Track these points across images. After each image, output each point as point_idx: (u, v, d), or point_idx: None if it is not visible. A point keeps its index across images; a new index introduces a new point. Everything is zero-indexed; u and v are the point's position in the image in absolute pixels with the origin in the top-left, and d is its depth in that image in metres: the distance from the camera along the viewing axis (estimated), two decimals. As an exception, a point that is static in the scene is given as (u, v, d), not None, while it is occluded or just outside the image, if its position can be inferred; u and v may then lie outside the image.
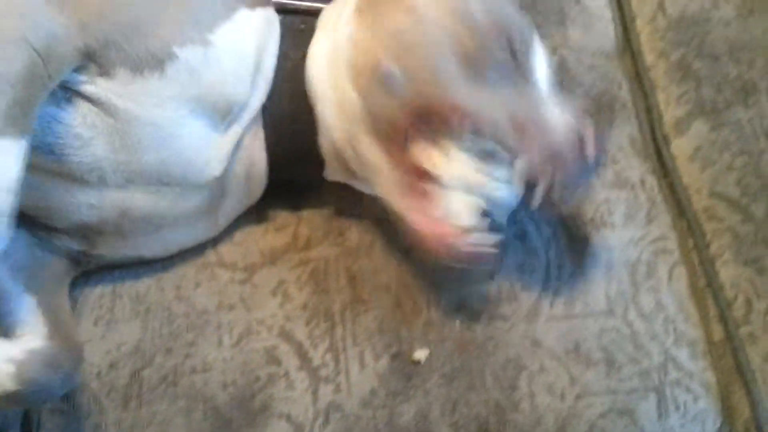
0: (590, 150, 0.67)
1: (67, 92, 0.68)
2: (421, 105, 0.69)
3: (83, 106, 0.68)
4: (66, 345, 0.71)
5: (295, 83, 0.77)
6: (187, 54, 0.70)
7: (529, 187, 0.67)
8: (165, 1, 0.71)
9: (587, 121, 0.69)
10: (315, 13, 0.81)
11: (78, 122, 0.69)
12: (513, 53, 0.70)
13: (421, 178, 0.70)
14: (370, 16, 0.74)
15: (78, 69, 0.67)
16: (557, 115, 0.69)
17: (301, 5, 0.81)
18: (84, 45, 0.66)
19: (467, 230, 0.68)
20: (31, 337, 0.70)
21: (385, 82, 0.70)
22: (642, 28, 0.95)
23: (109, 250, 0.78)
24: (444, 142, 0.69)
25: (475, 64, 0.69)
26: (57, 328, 0.72)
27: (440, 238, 0.68)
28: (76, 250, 0.77)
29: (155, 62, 0.68)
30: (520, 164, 0.66)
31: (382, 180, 0.73)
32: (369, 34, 0.72)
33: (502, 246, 0.71)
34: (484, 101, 0.68)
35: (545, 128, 0.67)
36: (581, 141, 0.68)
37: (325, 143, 0.77)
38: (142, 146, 0.71)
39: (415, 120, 0.69)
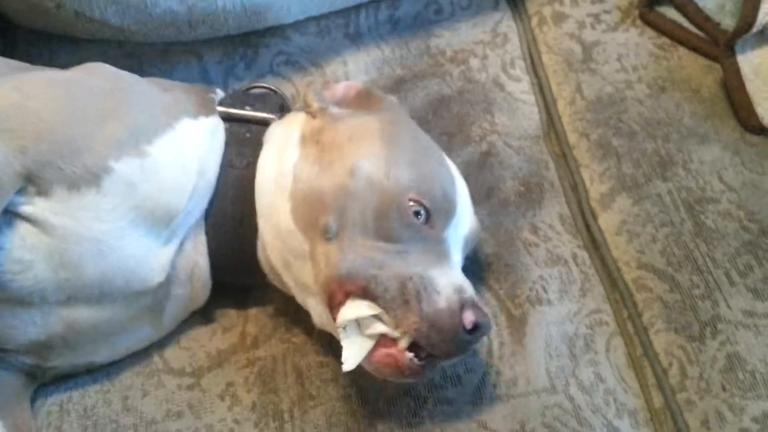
0: (469, 318, 0.72)
1: (5, 215, 0.70)
2: (343, 279, 0.73)
3: (21, 228, 0.71)
4: None
5: (238, 191, 0.81)
6: (124, 167, 0.73)
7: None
8: (103, 116, 0.74)
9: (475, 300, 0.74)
10: (260, 122, 0.85)
11: (17, 245, 0.71)
12: (427, 216, 0.76)
13: None
14: (313, 152, 0.79)
15: (16, 191, 0.70)
16: (447, 284, 0.73)
17: (246, 114, 0.86)
18: (23, 168, 0.69)
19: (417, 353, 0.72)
20: None
21: (324, 231, 0.74)
22: (563, 110, 1.01)
23: (61, 360, 0.80)
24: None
25: (386, 223, 0.74)
26: None
27: (391, 365, 0.72)
28: (28, 364, 0.79)
29: (91, 177, 0.71)
30: (405, 326, 0.71)
31: (318, 310, 0.77)
32: (313, 177, 0.77)
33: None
34: (387, 260, 0.73)
35: (429, 295, 0.71)
36: (463, 307, 0.72)
37: (262, 256, 0.81)
38: (82, 262, 0.73)
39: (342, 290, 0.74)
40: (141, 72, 0.88)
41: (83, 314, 0.76)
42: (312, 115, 0.84)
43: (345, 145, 0.78)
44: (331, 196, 0.75)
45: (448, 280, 0.73)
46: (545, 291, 0.88)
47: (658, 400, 0.82)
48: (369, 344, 0.73)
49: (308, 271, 0.77)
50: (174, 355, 0.85)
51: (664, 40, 1.03)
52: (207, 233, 0.81)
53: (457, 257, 0.78)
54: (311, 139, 0.81)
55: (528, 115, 1.02)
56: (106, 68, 0.82)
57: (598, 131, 0.97)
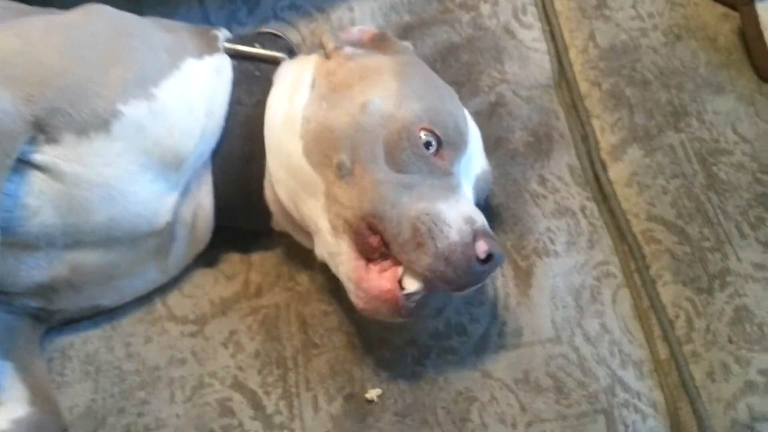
0: (482, 248, 0.71)
1: (14, 164, 0.69)
2: (365, 218, 0.73)
3: (30, 175, 0.71)
4: (49, 409, 0.73)
5: (247, 129, 0.80)
6: (132, 110, 0.72)
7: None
8: (107, 60, 0.73)
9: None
10: (270, 60, 0.84)
11: (25, 192, 0.70)
12: (438, 146, 0.75)
13: (375, 248, 0.73)
14: (326, 91, 0.78)
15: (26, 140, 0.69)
16: (457, 216, 0.72)
17: (256, 52, 0.85)
18: (32, 116, 0.68)
19: (412, 294, 0.72)
20: (14, 404, 0.72)
21: (338, 169, 0.74)
22: (575, 58, 1.00)
23: (67, 303, 0.80)
24: None
25: (396, 155, 0.74)
26: (37, 392, 0.74)
27: (389, 302, 0.71)
28: (34, 307, 0.79)
29: (100, 122, 0.71)
30: (419, 268, 0.70)
31: (327, 242, 0.76)
32: (322, 115, 0.77)
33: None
34: (399, 193, 0.73)
35: (441, 230, 0.71)
36: (476, 237, 0.71)
37: (270, 195, 0.81)
38: (91, 207, 0.73)
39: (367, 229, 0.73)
40: (141, 14, 0.86)
41: (89, 257, 0.76)
42: (326, 56, 0.83)
43: (357, 83, 0.78)
44: (342, 132, 0.75)
45: (458, 212, 0.72)
46: (552, 242, 0.88)
47: (663, 352, 0.82)
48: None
49: (318, 207, 0.76)
50: (177, 302, 0.85)
51: (681, -14, 1.00)
52: (213, 173, 0.80)
53: (468, 192, 0.77)
54: (324, 80, 0.80)
55: (539, 64, 1.01)
56: (106, 10, 0.80)
57: (611, 80, 0.96)
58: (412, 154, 0.74)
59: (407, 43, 0.89)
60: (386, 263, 0.73)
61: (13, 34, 0.71)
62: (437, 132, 0.75)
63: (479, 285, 0.74)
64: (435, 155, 0.75)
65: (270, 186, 0.80)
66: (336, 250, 0.74)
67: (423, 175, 0.74)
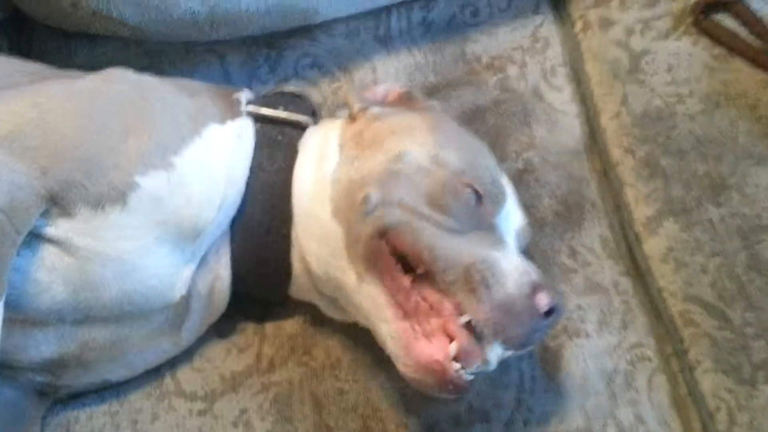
0: (543, 301, 0.68)
1: (25, 237, 0.67)
2: (391, 230, 0.70)
3: (42, 250, 0.68)
4: None
5: (268, 196, 0.78)
6: (150, 181, 0.70)
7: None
8: (126, 129, 0.71)
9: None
10: (293, 124, 0.82)
11: (36, 267, 0.68)
12: (479, 202, 0.73)
13: (428, 311, 0.69)
14: (355, 152, 0.77)
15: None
16: (513, 268, 0.69)
17: (278, 116, 0.83)
18: (46, 191, 0.66)
19: (465, 362, 0.68)
20: None
21: (364, 205, 0.72)
22: (607, 123, 0.96)
23: (75, 380, 0.78)
24: None
25: (442, 203, 0.72)
26: None
27: (438, 374, 0.67)
28: (40, 382, 0.77)
29: (117, 195, 0.69)
30: (476, 317, 0.67)
31: (362, 302, 0.73)
32: (353, 172, 0.75)
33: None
34: (444, 242, 0.70)
35: (498, 281, 0.68)
36: (535, 290, 0.68)
37: (298, 267, 0.79)
38: (103, 282, 0.70)
39: (388, 247, 0.71)
40: (161, 72, 0.85)
41: (100, 333, 0.74)
42: (352, 118, 0.81)
43: (389, 138, 0.76)
44: (375, 176, 0.73)
45: (514, 264, 0.69)
46: (583, 321, 0.83)
47: (702, 446, 0.77)
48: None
49: (347, 267, 0.73)
50: (186, 376, 0.82)
51: (720, 50, 0.96)
52: (232, 242, 0.78)
53: (512, 246, 0.74)
54: (352, 141, 0.78)
55: (569, 129, 0.97)
56: (127, 75, 0.78)
57: (645, 148, 0.92)
58: (458, 204, 0.71)
59: (434, 102, 0.87)
60: (432, 322, 0.68)
61: (29, 103, 0.69)
62: (477, 187, 0.73)
63: (533, 345, 0.70)
64: (476, 208, 0.73)
65: (299, 257, 0.78)
66: (371, 305, 0.71)
67: (468, 225, 0.71)
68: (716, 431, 0.76)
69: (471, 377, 0.68)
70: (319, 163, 0.78)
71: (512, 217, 0.77)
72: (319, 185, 0.77)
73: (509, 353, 0.70)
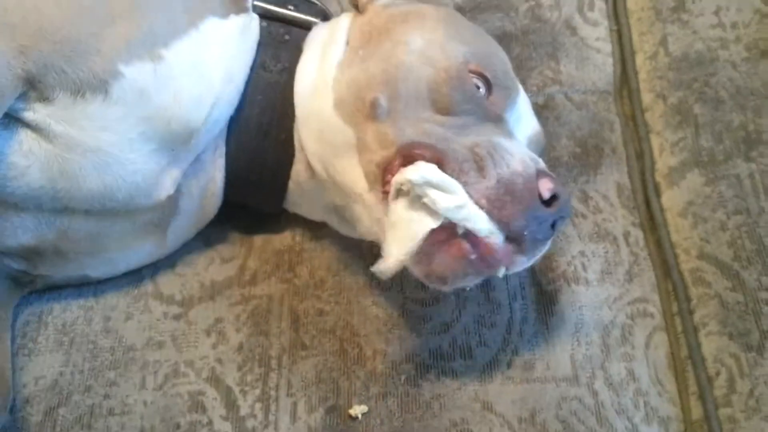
0: (547, 185, 0.65)
1: (3, 119, 0.65)
2: (405, 148, 0.68)
3: (20, 133, 0.67)
4: None
5: (268, 97, 0.76)
6: (134, 72, 0.67)
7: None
8: (115, 14, 0.68)
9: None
10: (301, 25, 0.79)
11: (13, 150, 0.67)
12: (488, 91, 0.70)
13: None
14: (362, 42, 0.74)
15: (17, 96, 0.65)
16: (518, 149, 0.67)
17: (287, 14, 0.80)
18: (24, 71, 0.64)
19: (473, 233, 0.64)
20: None
21: (372, 109, 0.69)
22: (642, 64, 0.91)
23: (52, 270, 0.77)
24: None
25: (445, 96, 0.69)
26: None
27: (455, 253, 0.64)
28: (16, 269, 0.76)
29: (98, 83, 0.66)
30: (476, 193, 0.64)
31: (368, 208, 0.70)
32: (359, 67, 0.72)
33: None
34: (449, 133, 0.67)
35: (502, 157, 0.65)
36: (539, 176, 0.65)
37: (299, 169, 0.76)
38: (83, 173, 0.69)
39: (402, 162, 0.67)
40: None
41: (79, 224, 0.73)
42: (360, 10, 0.78)
43: (397, 27, 0.73)
44: (379, 71, 0.70)
45: (520, 149, 0.67)
46: (585, 269, 0.80)
47: (696, 412, 0.73)
48: (423, 229, 0.62)
49: (356, 165, 0.70)
50: (166, 279, 0.81)
51: (775, -5, 0.90)
52: (227, 143, 0.76)
53: (521, 141, 0.71)
54: (359, 32, 0.75)
55: (599, 67, 0.92)
56: None
57: (679, 94, 0.86)
58: (462, 94, 0.69)
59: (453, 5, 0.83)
60: None
61: None
62: (487, 74, 0.70)
63: (542, 247, 0.67)
64: (486, 98, 0.70)
65: (300, 165, 0.76)
66: (379, 215, 0.68)
67: (475, 117, 0.69)
68: (713, 397, 0.73)
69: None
70: (323, 57, 0.75)
71: (524, 121, 0.73)
72: (321, 79, 0.74)
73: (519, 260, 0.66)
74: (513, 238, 0.65)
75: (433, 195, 0.62)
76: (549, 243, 0.68)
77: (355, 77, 0.71)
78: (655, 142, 0.86)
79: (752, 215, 0.78)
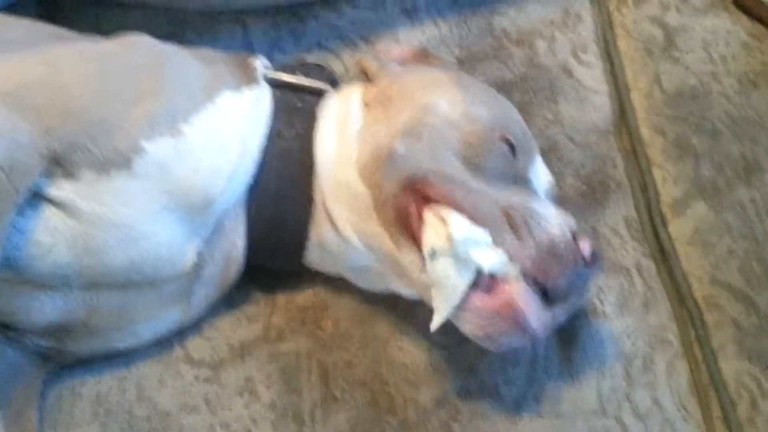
0: (587, 249, 0.68)
1: (28, 197, 0.68)
2: (417, 181, 0.70)
3: (44, 211, 0.69)
4: None
5: (285, 162, 0.78)
6: (156, 147, 0.70)
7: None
8: (137, 94, 0.72)
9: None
10: (313, 91, 0.83)
11: (39, 228, 0.69)
12: (513, 155, 0.74)
13: None
14: (380, 110, 0.77)
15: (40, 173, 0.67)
16: (553, 213, 0.70)
17: (299, 82, 0.84)
18: (48, 150, 0.66)
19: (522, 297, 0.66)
20: None
21: (389, 159, 0.72)
22: (638, 102, 0.95)
23: (80, 346, 0.79)
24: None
25: (475, 158, 0.72)
26: None
27: (509, 314, 0.66)
28: (45, 347, 0.78)
29: (122, 159, 0.69)
30: (517, 255, 0.67)
31: (408, 272, 0.72)
32: (380, 129, 0.75)
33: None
34: (480, 192, 0.70)
35: (539, 223, 0.68)
36: (576, 239, 0.69)
37: (315, 233, 0.79)
38: (107, 248, 0.71)
39: (415, 197, 0.71)
40: (184, 40, 0.87)
41: (107, 299, 0.75)
42: (371, 79, 0.82)
43: (415, 92, 0.77)
44: (399, 131, 0.73)
45: (552, 210, 0.70)
46: (602, 302, 0.83)
47: (722, 435, 0.76)
48: (464, 283, 0.64)
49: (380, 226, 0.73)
50: (195, 344, 0.83)
51: (759, 28, 0.95)
52: (247, 210, 0.79)
53: (546, 199, 0.75)
54: (375, 100, 0.78)
55: (598, 107, 0.97)
56: (144, 41, 0.79)
57: (676, 128, 0.91)
58: (493, 158, 0.72)
59: (452, 59, 0.87)
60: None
61: (40, 61, 0.70)
62: (511, 139, 0.73)
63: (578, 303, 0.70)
64: (511, 162, 0.73)
65: (320, 226, 0.78)
66: (414, 269, 0.70)
67: (503, 178, 0.72)
68: (737, 419, 0.76)
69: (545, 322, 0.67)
70: (342, 125, 0.79)
71: (541, 175, 0.77)
72: (343, 148, 0.77)
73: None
74: (553, 298, 0.68)
75: (476, 255, 0.64)
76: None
77: (377, 140, 0.74)
78: (657, 174, 0.90)
79: (759, 240, 0.82)
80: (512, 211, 0.68)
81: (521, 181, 0.73)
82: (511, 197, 0.70)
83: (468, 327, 0.68)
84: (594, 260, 0.69)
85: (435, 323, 0.66)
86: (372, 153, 0.74)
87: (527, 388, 0.78)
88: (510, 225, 0.68)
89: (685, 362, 0.80)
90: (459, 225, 0.66)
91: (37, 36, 0.81)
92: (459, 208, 0.68)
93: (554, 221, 0.68)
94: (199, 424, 0.78)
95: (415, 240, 0.70)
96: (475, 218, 0.68)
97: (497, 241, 0.67)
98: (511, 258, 0.66)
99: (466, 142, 0.72)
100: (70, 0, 1.03)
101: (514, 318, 0.66)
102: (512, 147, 0.73)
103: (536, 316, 0.66)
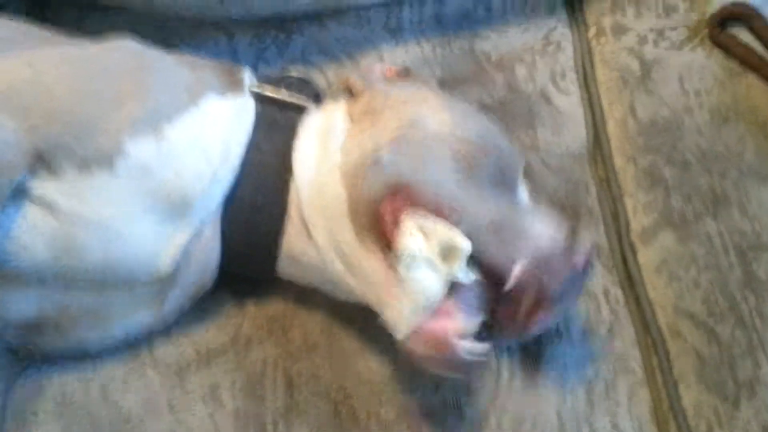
0: (578, 258, 0.70)
1: (9, 193, 0.69)
2: (401, 188, 0.71)
3: (25, 207, 0.70)
4: None
5: (262, 176, 0.79)
6: (138, 148, 0.72)
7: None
8: (121, 96, 0.73)
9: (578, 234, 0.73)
10: (296, 107, 0.84)
11: (18, 224, 0.70)
12: (501, 174, 0.75)
13: None
14: (366, 122, 0.78)
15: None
16: (543, 224, 0.72)
17: (282, 97, 0.85)
18: (33, 149, 0.68)
19: (466, 334, 0.67)
20: None
21: (375, 165, 0.73)
22: (613, 131, 0.97)
23: (50, 344, 0.79)
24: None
25: (463, 171, 0.73)
26: None
27: (442, 339, 0.66)
28: (15, 343, 0.79)
29: (104, 158, 0.70)
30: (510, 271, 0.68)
31: (373, 281, 0.72)
32: (364, 137, 0.76)
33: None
34: (469, 200, 0.71)
35: (529, 234, 0.70)
36: (568, 249, 0.71)
37: (288, 245, 0.79)
38: (86, 248, 0.72)
39: (396, 203, 0.71)
40: (169, 46, 0.87)
41: (81, 299, 0.76)
42: (355, 96, 0.83)
43: (401, 106, 0.78)
44: (386, 141, 0.74)
45: (542, 222, 0.71)
46: (567, 328, 0.84)
47: (680, 463, 0.78)
48: (437, 291, 0.64)
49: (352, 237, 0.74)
50: (163, 348, 0.84)
51: (733, 65, 0.97)
52: (222, 220, 0.79)
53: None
54: (361, 113, 0.79)
55: (573, 132, 0.99)
56: (128, 44, 0.81)
57: (649, 158, 0.93)
58: (483, 170, 0.73)
59: (433, 80, 0.89)
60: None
61: (25, 63, 0.72)
62: (498, 156, 0.75)
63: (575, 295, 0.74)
64: (500, 179, 0.75)
65: (294, 238, 0.79)
66: (373, 275, 0.71)
67: (494, 194, 0.73)
68: (694, 448, 0.77)
69: (479, 357, 0.67)
70: (324, 140, 0.79)
71: (523, 193, 0.79)
72: (325, 158, 0.78)
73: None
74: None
75: (452, 264, 0.65)
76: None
77: (364, 150, 0.75)
78: (628, 203, 0.92)
79: (723, 272, 0.84)
80: (501, 223, 0.69)
81: (509, 194, 0.75)
82: (500, 209, 0.71)
83: (409, 346, 0.68)
84: (587, 266, 0.71)
85: (401, 331, 0.66)
86: (357, 160, 0.75)
87: (489, 407, 0.79)
88: (498, 237, 0.69)
89: (647, 389, 0.82)
90: (439, 232, 0.67)
91: (21, 38, 0.83)
92: (443, 217, 0.69)
93: (544, 232, 0.70)
94: (162, 428, 0.78)
95: (388, 247, 0.70)
96: (459, 228, 0.68)
97: (482, 252, 0.68)
98: (493, 271, 0.67)
99: (455, 155, 0.73)
100: (55, 2, 1.04)
101: (443, 349, 0.66)
102: (500, 164, 0.75)
103: (464, 350, 0.66)
